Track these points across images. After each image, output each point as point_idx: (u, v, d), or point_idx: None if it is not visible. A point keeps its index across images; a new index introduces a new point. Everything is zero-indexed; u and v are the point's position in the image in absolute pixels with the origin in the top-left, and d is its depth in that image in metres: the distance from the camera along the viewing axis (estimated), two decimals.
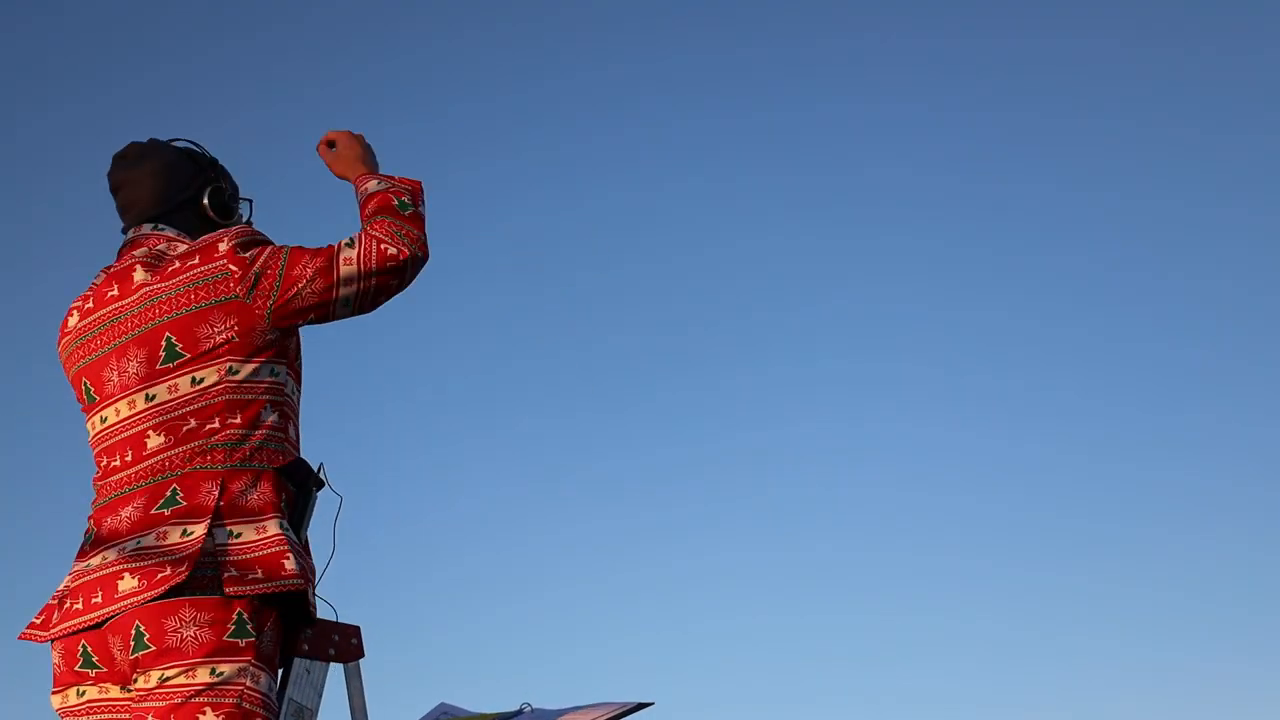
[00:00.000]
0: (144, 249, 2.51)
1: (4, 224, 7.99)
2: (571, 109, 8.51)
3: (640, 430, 8.28)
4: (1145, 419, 8.07)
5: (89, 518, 2.45)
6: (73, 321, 2.54)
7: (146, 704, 2.26)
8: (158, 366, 2.40)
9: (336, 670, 3.52)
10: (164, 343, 2.40)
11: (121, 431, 2.42)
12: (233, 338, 2.38)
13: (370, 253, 2.42)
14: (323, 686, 3.45)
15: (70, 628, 2.33)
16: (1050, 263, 8.35)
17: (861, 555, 7.89)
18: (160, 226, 2.55)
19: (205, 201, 2.58)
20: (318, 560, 2.49)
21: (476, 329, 8.28)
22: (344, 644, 2.71)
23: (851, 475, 8.11)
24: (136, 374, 2.42)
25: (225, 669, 2.26)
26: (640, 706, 3.47)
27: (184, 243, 2.51)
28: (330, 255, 2.41)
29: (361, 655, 2.81)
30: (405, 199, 2.52)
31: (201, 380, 2.38)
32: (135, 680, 2.28)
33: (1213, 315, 8.22)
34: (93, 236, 8.08)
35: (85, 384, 2.50)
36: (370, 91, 8.43)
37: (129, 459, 2.40)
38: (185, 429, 2.37)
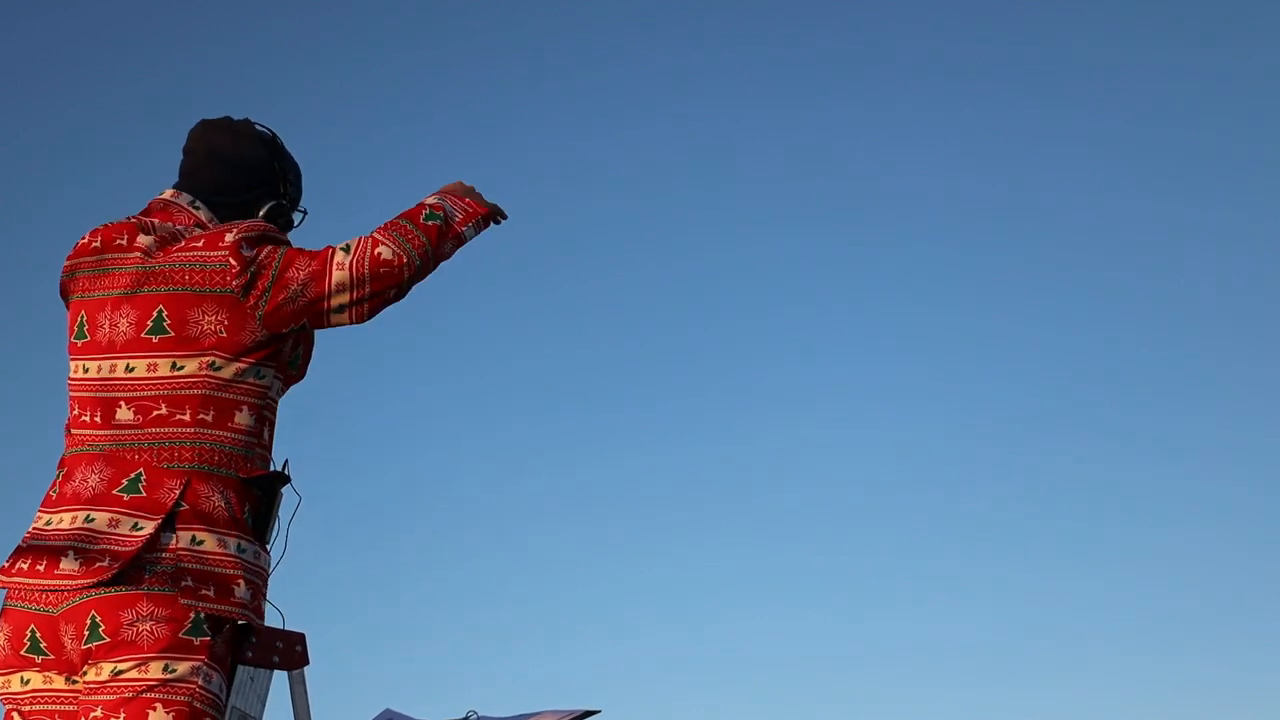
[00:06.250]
0: (166, 221, 2.47)
1: (3, 224, 7.91)
2: (568, 112, 8.51)
3: (606, 440, 8.28)
4: (1137, 423, 8.13)
5: (61, 460, 2.43)
6: (94, 245, 2.47)
7: (96, 697, 2.25)
8: (143, 335, 2.37)
9: (280, 678, 3.49)
10: (155, 313, 2.37)
11: (97, 390, 2.39)
12: (220, 331, 2.35)
13: (364, 257, 2.37)
14: (267, 694, 3.42)
15: (16, 584, 2.29)
16: (1047, 265, 8.40)
17: (826, 560, 7.91)
18: (197, 205, 2.51)
19: (260, 215, 2.52)
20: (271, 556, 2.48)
21: (474, 334, 8.24)
22: (288, 651, 2.69)
23: (827, 480, 8.12)
24: (125, 334, 2.38)
25: (179, 666, 2.25)
26: (588, 714, 3.46)
27: (205, 226, 2.47)
28: (325, 260, 2.37)
29: (306, 662, 2.79)
30: (439, 211, 2.45)
31: (181, 368, 2.35)
32: (85, 672, 2.26)
33: (1208, 318, 8.29)
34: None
35: (82, 317, 2.45)
36: (370, 93, 8.41)
37: (98, 420, 2.38)
38: (155, 413, 2.35)
